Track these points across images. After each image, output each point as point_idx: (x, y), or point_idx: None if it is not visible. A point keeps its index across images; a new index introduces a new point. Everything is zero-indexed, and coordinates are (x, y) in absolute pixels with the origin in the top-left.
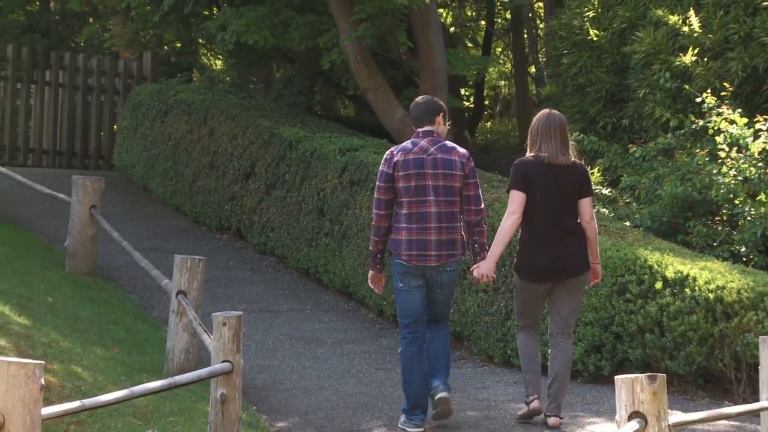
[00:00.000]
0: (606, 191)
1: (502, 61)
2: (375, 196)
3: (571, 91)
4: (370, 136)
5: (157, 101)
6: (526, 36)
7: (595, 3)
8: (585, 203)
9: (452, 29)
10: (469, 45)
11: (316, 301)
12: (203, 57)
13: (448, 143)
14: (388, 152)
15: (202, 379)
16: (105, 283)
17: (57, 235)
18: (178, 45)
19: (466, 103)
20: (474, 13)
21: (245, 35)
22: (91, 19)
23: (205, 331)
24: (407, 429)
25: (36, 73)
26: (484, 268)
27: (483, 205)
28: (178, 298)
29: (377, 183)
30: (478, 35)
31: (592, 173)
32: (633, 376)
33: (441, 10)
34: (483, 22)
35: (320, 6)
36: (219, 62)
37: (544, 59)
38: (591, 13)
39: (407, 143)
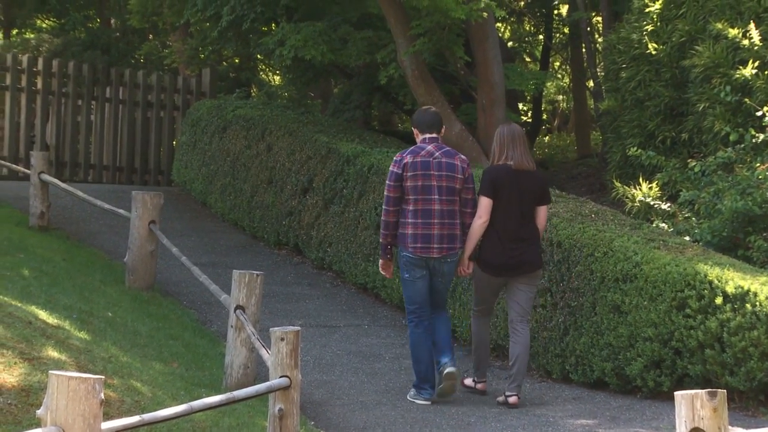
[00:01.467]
0: (665, 206)
1: (560, 76)
2: (385, 194)
3: (630, 106)
4: None
5: (216, 117)
6: (584, 50)
7: (654, 17)
8: (543, 210)
9: (510, 44)
10: (527, 59)
11: (374, 316)
12: (261, 72)
13: (451, 149)
14: (397, 155)
15: (260, 394)
16: (164, 298)
17: (117, 250)
18: (237, 61)
19: (524, 118)
20: (532, 28)
21: (303, 50)
22: (150, 35)
23: (263, 346)
24: (417, 401)
25: (96, 89)
26: (462, 266)
27: (476, 210)
28: (237, 313)
29: (387, 182)
30: (536, 50)
31: (650, 188)
32: (693, 392)
33: (499, 25)
34: (541, 37)
35: (378, 21)
36: (277, 78)
37: (603, 73)
38: (650, 27)
39: (415, 147)
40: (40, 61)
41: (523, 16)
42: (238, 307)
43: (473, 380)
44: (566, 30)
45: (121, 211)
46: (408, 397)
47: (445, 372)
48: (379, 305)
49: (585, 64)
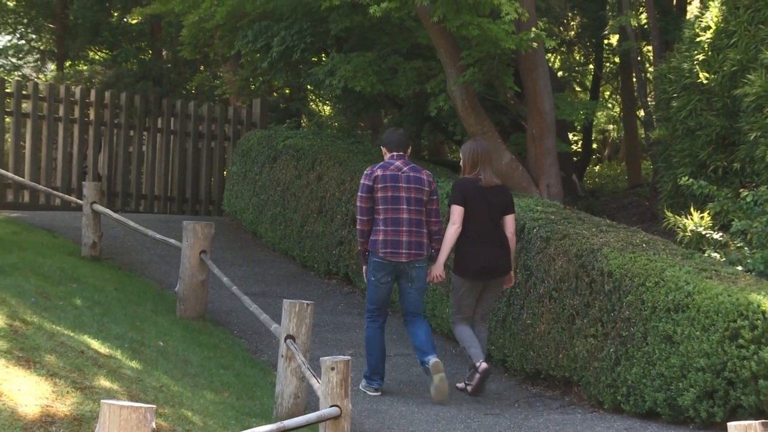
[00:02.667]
0: (717, 236)
1: (610, 105)
2: (358, 204)
3: (681, 135)
4: None
5: (266, 147)
6: (634, 79)
7: (705, 46)
8: (509, 219)
9: (560, 73)
10: (577, 89)
11: None
12: (312, 103)
13: (417, 166)
14: (368, 170)
15: (310, 424)
16: (215, 327)
17: (168, 280)
18: (287, 91)
19: (574, 147)
20: (582, 58)
21: (353, 81)
22: (202, 67)
23: (314, 376)
24: (367, 392)
25: (148, 120)
26: (435, 271)
27: (441, 218)
28: (287, 342)
29: (359, 194)
30: (586, 79)
31: (702, 217)
32: (746, 422)
33: (549, 55)
34: (591, 66)
35: (428, 52)
36: (327, 108)
37: (653, 103)
38: (701, 56)
39: (384, 163)
40: (93, 92)
41: (573, 45)
42: (288, 336)
43: (464, 383)
44: (617, 59)
45: (172, 240)
46: (360, 387)
47: (430, 363)
48: None
49: (635, 94)
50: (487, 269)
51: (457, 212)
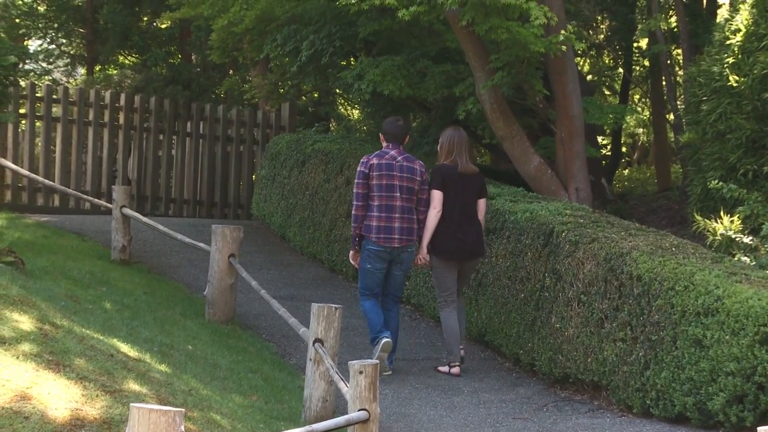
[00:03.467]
0: (747, 239)
1: (640, 109)
2: (354, 191)
3: (711, 138)
4: (506, 185)
5: (295, 151)
6: (664, 83)
7: (735, 49)
8: (482, 203)
9: (589, 77)
10: (607, 93)
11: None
12: (340, 106)
13: (410, 155)
14: (364, 157)
15: (338, 427)
16: (243, 331)
17: (197, 283)
18: (316, 95)
19: (604, 151)
20: (611, 61)
21: (381, 85)
22: (231, 70)
23: (342, 380)
24: (379, 349)
25: (177, 124)
26: (419, 255)
27: (428, 208)
28: (315, 346)
29: (356, 180)
30: (615, 83)
31: (732, 221)
32: None
33: (578, 58)
34: (620, 70)
35: (456, 55)
36: (356, 112)
37: (683, 106)
38: (731, 60)
39: (380, 152)
40: (123, 96)
41: (602, 49)
42: (316, 340)
43: (448, 366)
44: (646, 63)
45: (201, 244)
46: (374, 358)
47: (383, 340)
48: None
49: (665, 97)
50: (460, 251)
51: (437, 197)
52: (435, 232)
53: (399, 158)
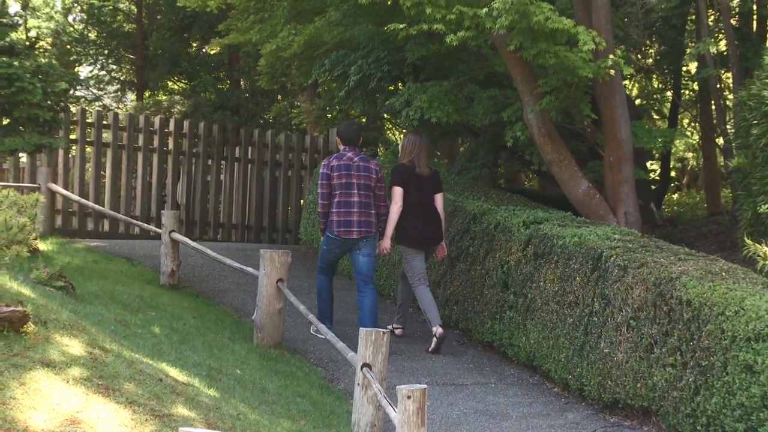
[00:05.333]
0: None
1: (689, 133)
2: (318, 191)
3: (761, 162)
4: (554, 209)
5: None
6: (714, 107)
7: None
8: (439, 197)
9: (638, 101)
10: (655, 117)
11: (501, 374)
12: (388, 131)
13: (366, 156)
14: (325, 160)
15: None
16: (292, 355)
17: (245, 308)
18: (364, 120)
19: (653, 175)
20: (660, 85)
21: (429, 111)
22: (279, 96)
23: (390, 404)
24: (319, 335)
25: (226, 149)
26: (383, 244)
27: (387, 202)
28: (363, 370)
29: (319, 182)
30: (664, 107)
31: None
32: None
33: (626, 82)
34: (669, 94)
35: (504, 80)
36: (403, 137)
37: (733, 130)
38: None
39: (338, 154)
40: (172, 122)
41: (651, 73)
42: (364, 365)
43: (393, 326)
44: (695, 87)
45: (249, 269)
46: (311, 332)
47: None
48: (506, 363)
49: (714, 121)
50: (422, 239)
51: (398, 193)
52: (402, 225)
53: (356, 159)
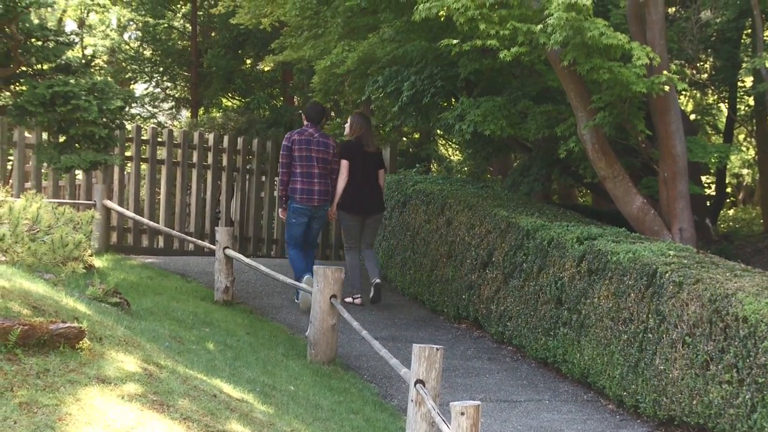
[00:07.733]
0: None
1: (744, 148)
2: (280, 161)
3: None
4: (608, 225)
5: (396, 191)
6: None
7: None
8: (381, 172)
9: (692, 116)
10: (710, 132)
11: (555, 391)
12: (441, 147)
13: (325, 133)
14: (288, 134)
15: None
16: (345, 372)
17: (299, 324)
18: (417, 136)
19: (708, 191)
20: (715, 100)
21: (482, 125)
22: (333, 113)
23: (444, 421)
24: (304, 278)
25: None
26: (330, 210)
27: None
28: (417, 387)
29: (281, 152)
30: (719, 122)
31: None
32: None
33: (681, 97)
34: (724, 109)
35: (557, 95)
36: (457, 154)
37: None
38: None
39: (301, 129)
40: (226, 138)
41: (705, 87)
42: (418, 381)
43: (352, 298)
44: (751, 102)
45: (303, 285)
46: (296, 300)
47: (305, 278)
48: (560, 380)
49: None
50: (361, 208)
51: (345, 166)
52: (345, 194)
53: (316, 135)
